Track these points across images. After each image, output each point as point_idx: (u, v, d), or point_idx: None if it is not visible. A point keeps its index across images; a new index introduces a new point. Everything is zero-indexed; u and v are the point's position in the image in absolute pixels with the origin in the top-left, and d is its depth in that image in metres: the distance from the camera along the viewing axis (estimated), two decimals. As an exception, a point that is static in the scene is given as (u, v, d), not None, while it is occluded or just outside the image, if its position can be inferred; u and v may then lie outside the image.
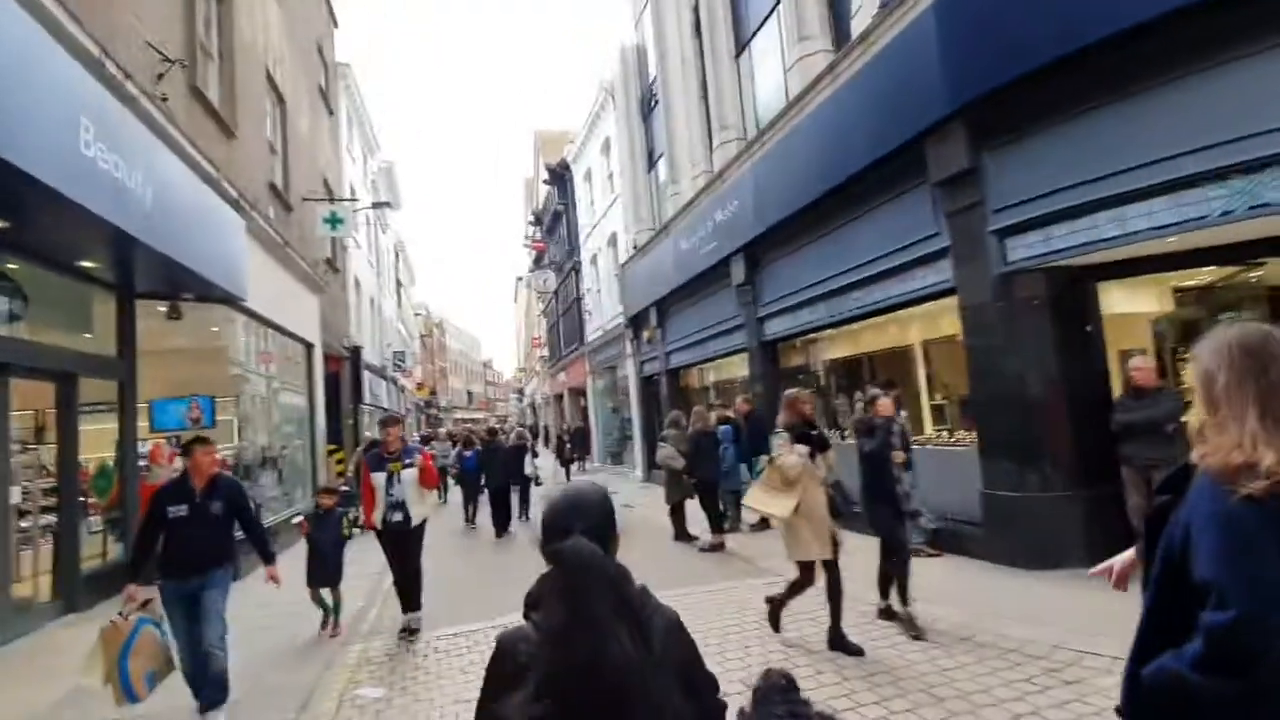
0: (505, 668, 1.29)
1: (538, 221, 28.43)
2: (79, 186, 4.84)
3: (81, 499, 7.08)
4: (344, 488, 9.39)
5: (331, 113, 16.50)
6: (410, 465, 5.46)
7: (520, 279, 58.14)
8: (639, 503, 12.73)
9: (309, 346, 12.82)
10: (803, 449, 4.51)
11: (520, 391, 58.46)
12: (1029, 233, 5.68)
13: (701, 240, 11.37)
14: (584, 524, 1.36)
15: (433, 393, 48.43)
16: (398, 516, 5.40)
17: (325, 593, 5.91)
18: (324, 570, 5.92)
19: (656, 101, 14.41)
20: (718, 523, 7.84)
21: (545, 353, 33.59)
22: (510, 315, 73.16)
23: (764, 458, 5.38)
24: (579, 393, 25.75)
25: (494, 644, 1.34)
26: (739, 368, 12.20)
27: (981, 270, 6.00)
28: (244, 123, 9.40)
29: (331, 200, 12.93)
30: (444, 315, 66.63)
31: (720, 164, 10.80)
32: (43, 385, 6.53)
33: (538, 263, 28.71)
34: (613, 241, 18.56)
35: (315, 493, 7.88)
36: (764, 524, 7.78)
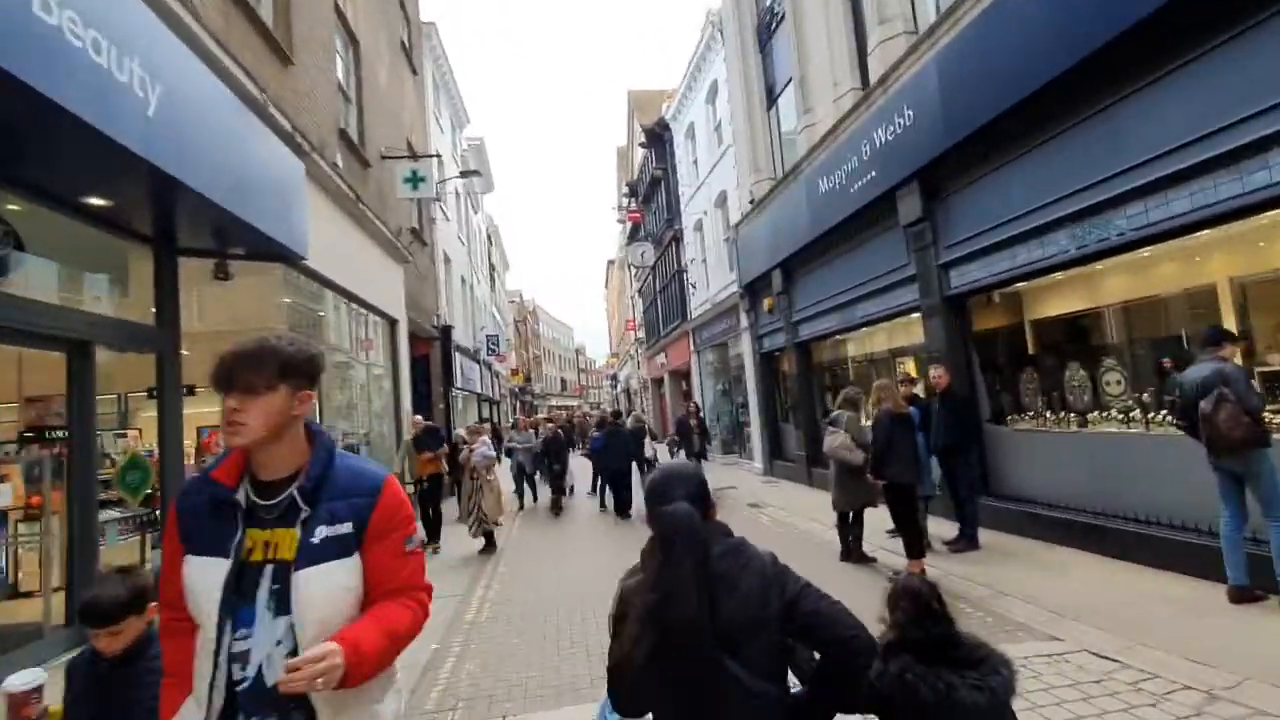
0: (622, 610, 1.48)
1: (632, 193, 26.52)
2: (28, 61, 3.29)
3: (110, 497, 5.82)
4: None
5: (415, 73, 15.21)
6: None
7: (612, 262, 56.88)
8: (769, 503, 10.54)
9: (393, 322, 11.50)
10: None
11: (614, 378, 57.31)
12: None
13: (850, 175, 8.98)
14: (683, 491, 1.51)
15: (527, 379, 48.08)
16: None
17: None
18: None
19: (779, 21, 12.02)
20: (918, 545, 5.58)
21: (641, 334, 31.84)
22: (601, 302, 72.29)
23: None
24: (681, 375, 23.76)
25: (615, 598, 1.53)
26: (901, 335, 9.73)
27: None
28: (303, 52, 7.93)
29: (414, 157, 11.48)
30: (537, 302, 66.65)
31: (881, 69, 8.35)
32: (48, 355, 5.21)
33: (633, 236, 26.84)
34: (721, 201, 16.33)
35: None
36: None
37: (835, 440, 6.03)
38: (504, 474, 10.96)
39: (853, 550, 6.30)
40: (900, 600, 1.72)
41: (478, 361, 21.62)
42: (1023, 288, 7.23)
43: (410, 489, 9.04)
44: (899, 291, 8.54)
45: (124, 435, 7.27)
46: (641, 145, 22.69)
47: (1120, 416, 6.07)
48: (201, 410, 9.25)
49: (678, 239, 20.35)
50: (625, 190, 28.34)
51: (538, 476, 12.81)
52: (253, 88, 6.18)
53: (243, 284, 8.05)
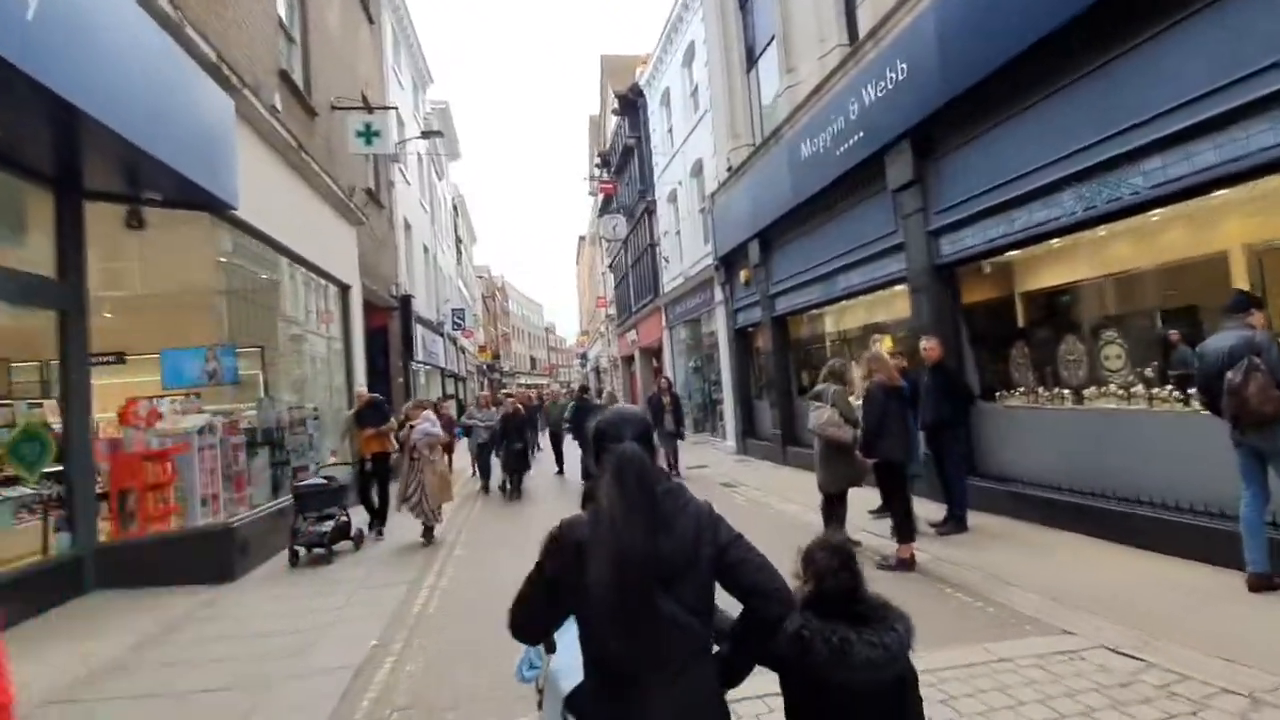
0: (563, 545, 1.48)
1: (604, 163, 25.68)
2: None
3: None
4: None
5: (372, 22, 14.18)
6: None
7: (583, 238, 55.84)
8: (743, 482, 10.12)
9: (344, 288, 10.71)
10: None
11: (583, 356, 56.59)
12: None
13: (835, 137, 8.46)
14: (633, 432, 1.59)
15: (495, 356, 47.10)
16: None
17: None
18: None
19: (762, -24, 11.37)
20: (909, 527, 5.15)
21: (612, 311, 31.18)
22: (572, 279, 71.24)
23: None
24: (652, 352, 23.24)
25: (554, 528, 1.52)
26: (881, 309, 9.31)
27: None
28: (233, -24, 7.06)
29: (369, 110, 10.61)
30: (506, 279, 65.30)
31: (871, 21, 7.80)
32: None
33: (605, 208, 26.06)
34: (697, 170, 15.71)
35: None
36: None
37: (821, 416, 5.55)
38: (465, 455, 10.34)
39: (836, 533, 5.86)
40: (817, 553, 1.75)
41: (441, 334, 20.77)
42: (1015, 257, 6.81)
43: (351, 469, 8.34)
44: (885, 261, 8.08)
45: (39, 406, 6.47)
46: (615, 113, 21.85)
47: (1120, 392, 5.72)
48: (132, 379, 8.41)
49: (651, 211, 19.69)
50: (597, 161, 27.47)
51: (494, 457, 11.79)
52: (164, 3, 5.33)
53: (174, 242, 7.24)
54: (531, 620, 1.57)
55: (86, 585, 5.44)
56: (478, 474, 11.86)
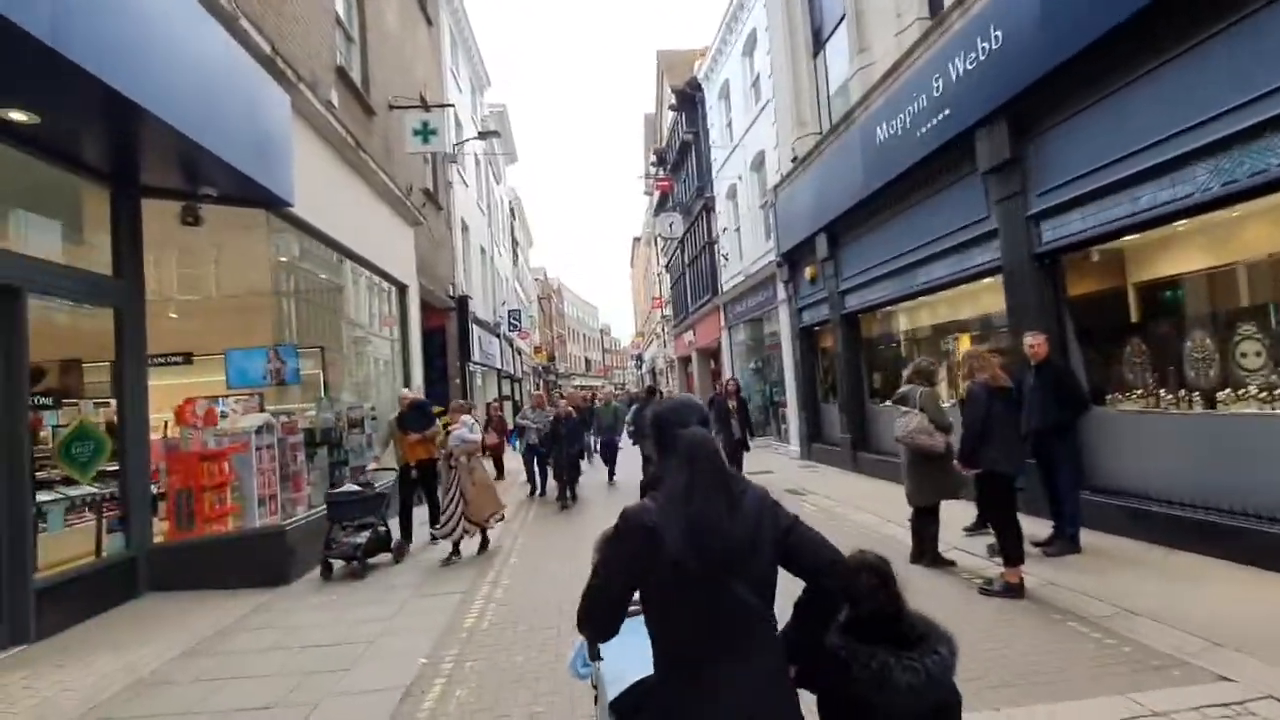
0: (631, 531, 1.47)
1: (660, 161, 25.28)
2: None
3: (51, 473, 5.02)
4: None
5: (430, 23, 14.20)
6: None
7: (637, 239, 55.70)
8: (811, 490, 9.49)
9: (402, 288, 10.64)
10: None
11: (638, 357, 56.36)
12: None
13: (916, 117, 7.78)
14: (697, 419, 1.63)
15: (551, 358, 47.38)
16: None
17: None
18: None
19: (830, -47, 10.74)
20: (1018, 548, 4.50)
21: (668, 311, 30.76)
22: (626, 281, 71.16)
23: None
24: (710, 353, 22.70)
25: (619, 518, 1.51)
26: (966, 304, 8.56)
27: None
28: (292, -29, 6.98)
29: (426, 108, 10.52)
30: (561, 281, 65.79)
31: (959, -13, 7.11)
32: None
33: (661, 206, 25.65)
34: (758, 164, 15.12)
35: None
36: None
37: (910, 422, 4.96)
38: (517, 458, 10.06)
39: (926, 551, 5.25)
40: (859, 573, 1.67)
41: (498, 336, 20.79)
42: (1130, 243, 6.03)
43: (394, 476, 7.71)
44: (973, 251, 7.36)
45: (107, 405, 6.52)
46: (672, 108, 21.42)
47: (1261, 394, 4.91)
48: (199, 379, 8.49)
49: (709, 208, 19.16)
50: (653, 159, 27.09)
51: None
52: (220, -4, 5.21)
53: (237, 243, 7.23)
54: (602, 612, 1.53)
55: (139, 588, 5.36)
56: (529, 480, 11.29)
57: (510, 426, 13.36)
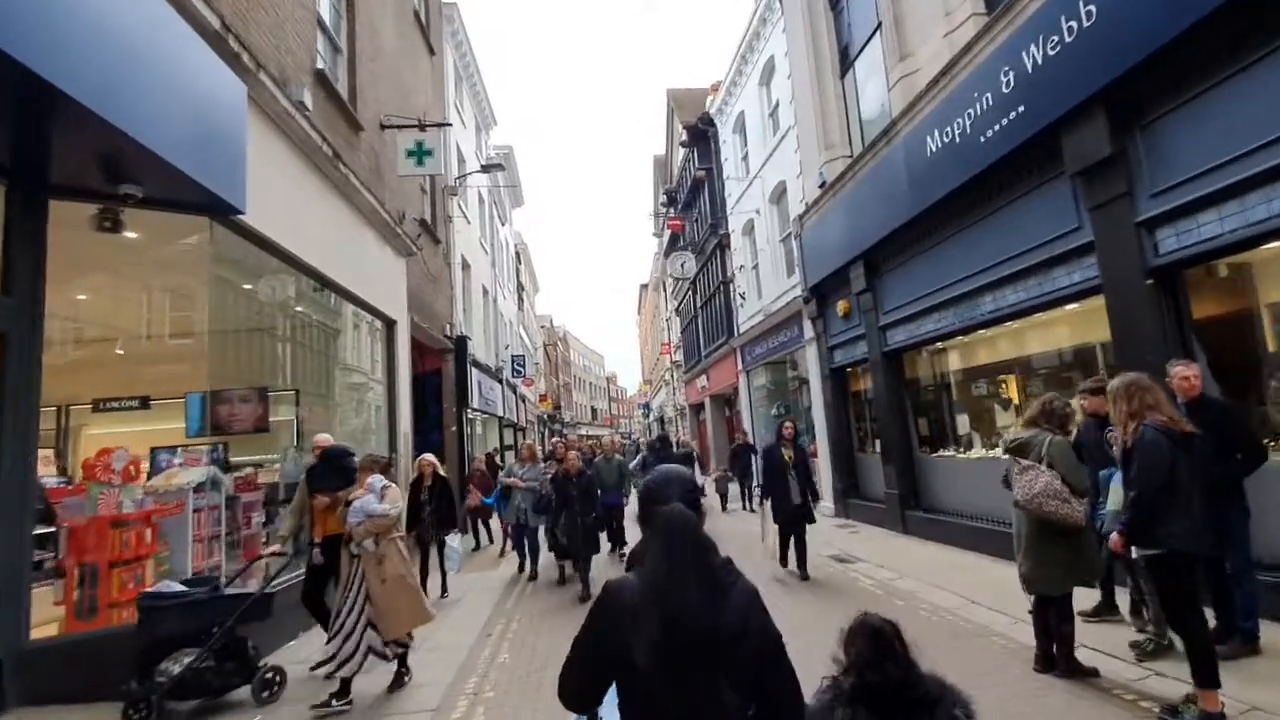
0: (610, 608, 1.45)
1: (671, 201, 24.53)
2: None
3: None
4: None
5: (433, 53, 13.53)
6: None
7: (645, 286, 55.04)
8: (859, 556, 8.07)
9: (390, 323, 9.50)
10: None
11: (646, 406, 54.96)
12: None
13: (978, 120, 6.73)
14: (679, 492, 1.58)
15: (556, 407, 46.08)
16: None
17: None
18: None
19: (859, -36, 9.96)
20: (1209, 659, 3.13)
21: (678, 357, 29.59)
22: (633, 329, 70.36)
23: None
24: (725, 400, 21.40)
25: (601, 589, 1.50)
26: (1040, 335, 7.34)
27: None
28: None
29: (421, 128, 9.60)
30: (567, 329, 65.07)
31: (1031, -33, 6.13)
32: None
33: (673, 246, 24.77)
34: (778, 195, 14.16)
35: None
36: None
37: (1035, 482, 3.66)
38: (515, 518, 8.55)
39: (1061, 655, 3.86)
40: (858, 638, 1.58)
41: (500, 381, 19.60)
42: (1259, 255, 4.85)
43: (288, 562, 5.25)
44: (1059, 271, 6.18)
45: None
46: (683, 145, 20.72)
47: None
48: (160, 426, 7.37)
49: (723, 245, 18.19)
50: (663, 199, 26.39)
51: (542, 533, 8.25)
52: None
53: (183, 266, 6.15)
54: (581, 688, 1.49)
55: (6, 702, 4.01)
56: (514, 550, 8.89)
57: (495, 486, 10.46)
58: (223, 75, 5.01)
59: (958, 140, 7.12)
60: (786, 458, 7.09)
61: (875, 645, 1.54)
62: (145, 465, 5.95)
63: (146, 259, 6.21)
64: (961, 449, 8.62)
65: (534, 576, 8.23)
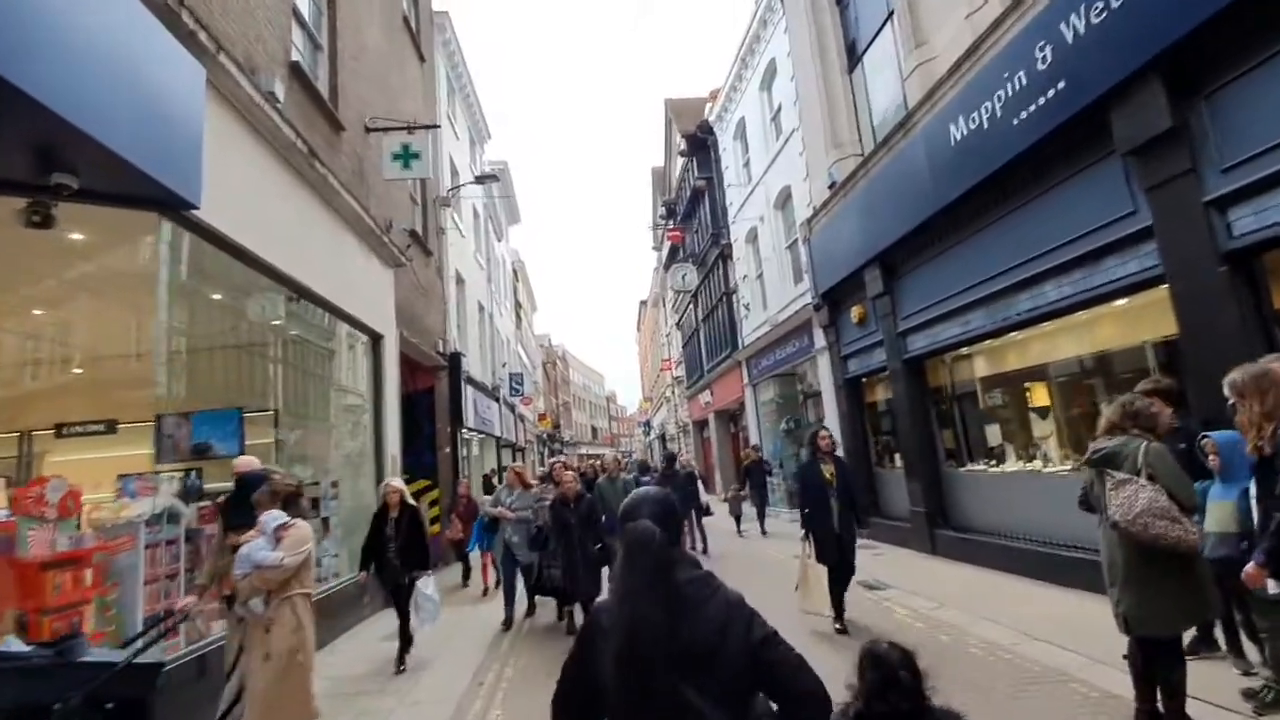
0: (592, 631, 1.48)
1: (670, 213, 24.07)
2: None
3: None
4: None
5: (424, 60, 13.08)
6: None
7: (644, 302, 54.56)
8: (887, 582, 7.36)
9: (376, 337, 8.89)
10: None
11: (646, 424, 54.21)
12: None
13: (1010, 102, 6.19)
14: (649, 511, 1.57)
15: (556, 426, 45.34)
16: None
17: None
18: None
19: (867, -46, 9.51)
20: None
21: (680, 373, 28.97)
22: (632, 347, 69.82)
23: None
24: (730, 415, 20.74)
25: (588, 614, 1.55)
26: (1079, 336, 6.73)
27: None
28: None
29: (409, 130, 9.08)
30: (566, 348, 64.52)
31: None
32: None
33: (672, 259, 24.26)
34: (783, 201, 13.66)
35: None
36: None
37: (1138, 499, 3.01)
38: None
39: (1168, 712, 3.19)
40: (866, 668, 1.56)
41: (497, 400, 18.95)
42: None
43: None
44: (1110, 260, 5.58)
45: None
46: (682, 154, 20.29)
47: None
48: (123, 453, 6.75)
49: (725, 255, 17.67)
50: (662, 212, 25.94)
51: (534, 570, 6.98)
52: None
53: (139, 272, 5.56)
54: (570, 715, 1.49)
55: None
56: (499, 590, 7.78)
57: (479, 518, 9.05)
58: (175, 53, 4.45)
59: (985, 126, 6.58)
60: (828, 475, 5.72)
61: (881, 674, 1.51)
62: (96, 495, 5.28)
63: (102, 265, 5.63)
64: (993, 462, 7.98)
65: (509, 624, 6.90)
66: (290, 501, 3.91)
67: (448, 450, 12.54)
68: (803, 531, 5.74)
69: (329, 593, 6.86)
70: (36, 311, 6.82)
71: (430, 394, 12.59)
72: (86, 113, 3.59)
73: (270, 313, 7.12)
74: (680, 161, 21.17)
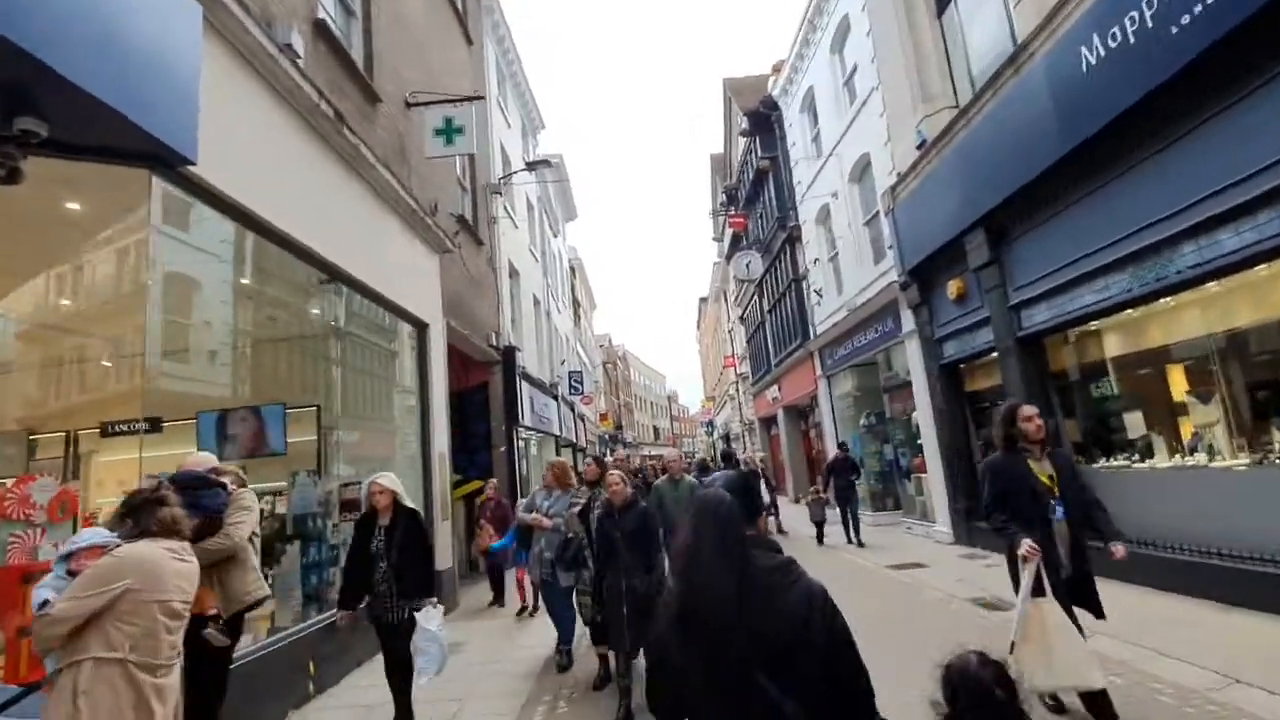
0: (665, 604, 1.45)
1: (731, 199, 22.94)
2: None
3: None
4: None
5: (471, 42, 12.53)
6: None
7: (704, 299, 53.39)
8: (1008, 600, 6.09)
9: (421, 326, 8.28)
10: None
11: (709, 423, 53.01)
12: None
13: (1165, 9, 4.93)
14: (723, 482, 1.75)
15: (618, 426, 44.77)
16: None
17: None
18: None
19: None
20: None
21: (744, 369, 27.77)
22: (693, 345, 68.69)
23: None
24: (800, 411, 19.46)
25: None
26: (1244, 303, 5.36)
27: None
28: None
29: (452, 103, 8.44)
30: (627, 348, 64.05)
31: None
32: None
33: (735, 247, 23.12)
34: (860, 171, 12.40)
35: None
36: None
37: None
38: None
39: None
40: (955, 686, 1.38)
41: (556, 398, 18.33)
42: None
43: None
44: (1326, 190, 4.28)
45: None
46: (743, 134, 19.15)
47: None
48: (169, 452, 6.31)
49: (793, 239, 16.45)
50: (722, 199, 24.84)
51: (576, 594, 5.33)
52: None
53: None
54: (663, 696, 1.42)
55: None
56: (535, 609, 6.94)
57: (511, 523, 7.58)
58: (164, -14, 3.82)
59: (1132, 41, 5.31)
60: (1043, 477, 3.72)
61: (973, 693, 1.35)
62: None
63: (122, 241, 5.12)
64: (1137, 457, 6.63)
65: (565, 664, 5.45)
66: (141, 512, 2.60)
67: (503, 449, 11.92)
68: (1018, 555, 3.52)
69: (263, 654, 4.63)
70: (65, 302, 6.50)
71: (484, 390, 12.02)
72: (46, 41, 2.97)
73: (329, 313, 6.72)
74: (742, 143, 20.04)
